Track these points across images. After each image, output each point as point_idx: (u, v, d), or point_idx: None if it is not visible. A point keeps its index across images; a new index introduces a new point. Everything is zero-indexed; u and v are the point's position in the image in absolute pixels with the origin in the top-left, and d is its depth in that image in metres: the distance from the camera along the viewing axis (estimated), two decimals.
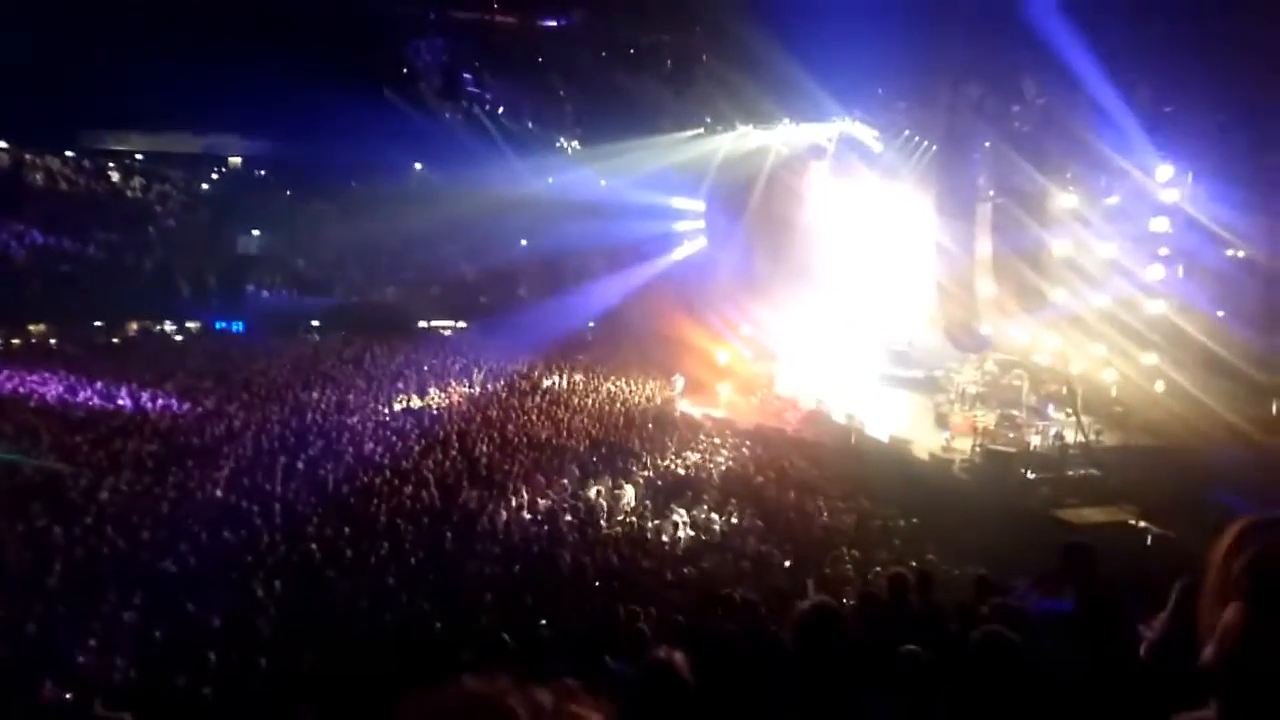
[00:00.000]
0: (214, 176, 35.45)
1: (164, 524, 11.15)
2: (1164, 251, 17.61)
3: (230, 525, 11.04)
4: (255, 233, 33.96)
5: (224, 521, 11.18)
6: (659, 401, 22.70)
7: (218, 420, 17.05)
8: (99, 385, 19.66)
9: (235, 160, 35.33)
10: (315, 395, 19.71)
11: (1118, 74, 15.68)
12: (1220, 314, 16.66)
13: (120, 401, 18.78)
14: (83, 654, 7.61)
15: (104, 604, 8.48)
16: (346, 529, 11.05)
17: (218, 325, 30.25)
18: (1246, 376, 15.28)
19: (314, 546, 10.39)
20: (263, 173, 35.52)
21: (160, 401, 18.68)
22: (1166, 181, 17.16)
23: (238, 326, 30.41)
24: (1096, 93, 16.06)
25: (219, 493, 12.70)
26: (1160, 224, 17.45)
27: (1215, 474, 13.39)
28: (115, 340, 27.80)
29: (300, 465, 14.13)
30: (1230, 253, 16.61)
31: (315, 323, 30.60)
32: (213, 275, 31.73)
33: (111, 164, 33.98)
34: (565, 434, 17.45)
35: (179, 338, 29.18)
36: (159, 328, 29.42)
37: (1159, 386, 17.64)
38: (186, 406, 18.29)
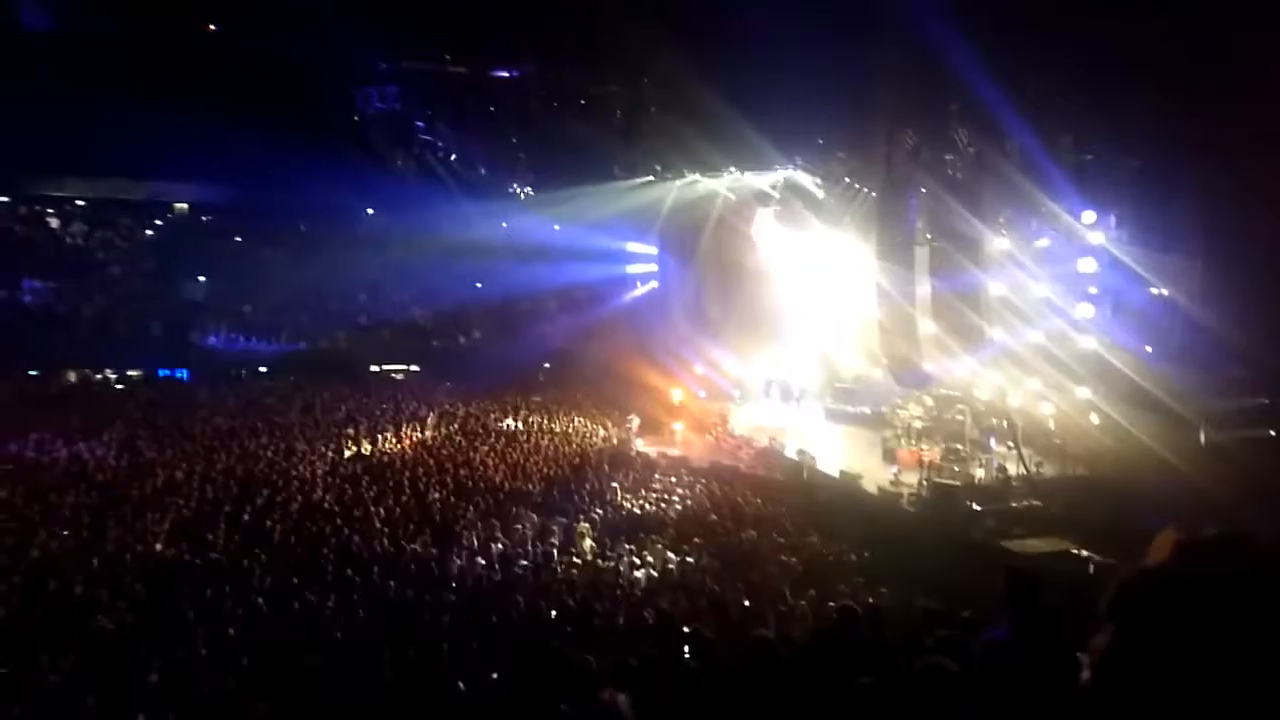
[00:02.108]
0: (158, 223, 34.82)
1: (99, 579, 10.77)
2: (1093, 290, 18.43)
3: (171, 579, 10.71)
4: (201, 279, 33.35)
5: (165, 575, 10.84)
6: (615, 441, 22.77)
7: (160, 470, 16.56)
8: (33, 437, 18.96)
9: (181, 206, 34.80)
10: (263, 442, 19.30)
11: (1041, 124, 16.59)
12: (1148, 349, 17.45)
13: (56, 453, 18.13)
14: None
15: (33, 667, 8.14)
16: (294, 579, 10.81)
17: (161, 373, 29.47)
18: (1171, 410, 16.00)
19: (260, 600, 10.13)
20: (209, 219, 35.03)
21: (99, 452, 18.08)
22: (1091, 224, 18.04)
23: (182, 374, 29.66)
24: (1022, 141, 16.95)
25: (159, 546, 12.32)
26: (1088, 265, 18.29)
27: (1150, 502, 13.92)
28: (52, 390, 26.86)
29: (246, 516, 13.79)
30: (1154, 291, 17.47)
31: (263, 369, 30.03)
32: (156, 322, 31.00)
33: (50, 210, 33.17)
34: (520, 476, 17.36)
35: (120, 386, 28.33)
36: (99, 376, 28.54)
37: (1093, 419, 18.32)
38: (127, 457, 17.74)
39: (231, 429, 20.74)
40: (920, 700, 4.18)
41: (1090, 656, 1.01)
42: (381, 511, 14.15)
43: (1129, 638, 0.96)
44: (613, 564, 12.74)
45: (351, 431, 21.06)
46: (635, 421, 24.32)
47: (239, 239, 34.48)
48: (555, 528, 14.13)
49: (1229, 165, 13.96)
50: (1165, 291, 17.07)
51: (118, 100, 23.05)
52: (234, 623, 9.47)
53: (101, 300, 31.34)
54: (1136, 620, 0.96)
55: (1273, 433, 15.45)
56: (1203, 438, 16.08)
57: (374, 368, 31.38)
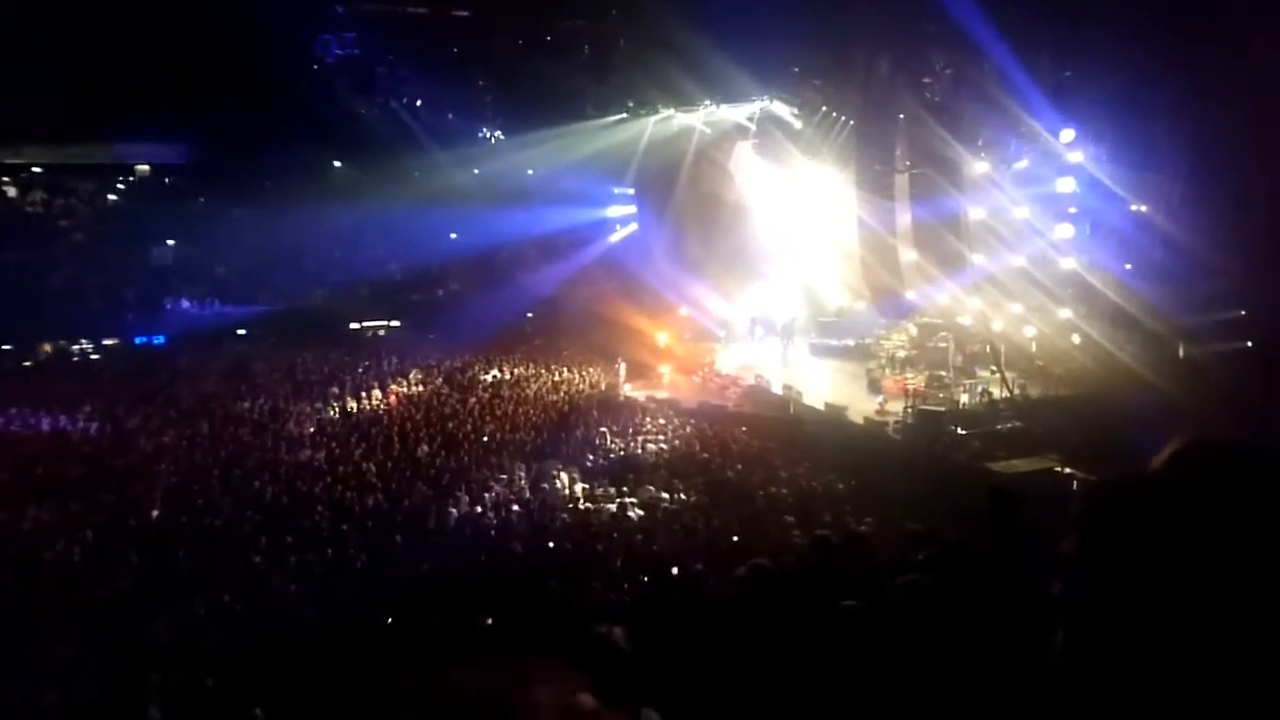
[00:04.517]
0: (121, 187, 33.86)
1: (94, 549, 10.78)
2: (1072, 210, 18.44)
3: (166, 544, 10.73)
4: (170, 243, 32.62)
5: (159, 542, 10.87)
6: (603, 387, 22.81)
7: (145, 439, 16.45)
8: (12, 411, 18.73)
9: (143, 169, 33.80)
10: (246, 405, 19.18)
11: (1019, 42, 16.30)
12: (1127, 267, 17.55)
13: (37, 426, 17.94)
14: (15, 691, 7.35)
15: (36, 637, 8.19)
16: (289, 538, 10.86)
17: (137, 340, 29.04)
18: (1150, 327, 16.18)
19: (256, 559, 10.20)
20: (173, 180, 34.09)
21: (81, 423, 17.91)
22: (1070, 144, 17.93)
23: (159, 340, 29.26)
24: (1000, 61, 16.68)
25: (155, 512, 12.32)
26: (1066, 184, 18.25)
27: (1130, 419, 14.16)
28: (27, 363, 26.46)
29: (236, 477, 13.78)
30: (1133, 208, 17.48)
31: (241, 331, 29.64)
32: (129, 289, 30.41)
33: (7, 178, 32.15)
34: (509, 426, 17.40)
35: (96, 356, 27.92)
36: (75, 347, 28.09)
37: (1075, 340, 18.52)
38: (110, 427, 17.60)
39: (214, 393, 20.56)
40: (899, 616, 4.28)
41: (1058, 565, 1.01)
42: (372, 467, 14.17)
43: (1090, 544, 0.96)
44: (606, 507, 12.88)
45: (336, 390, 20.95)
46: (623, 367, 24.34)
47: (205, 200, 33.62)
48: (547, 475, 14.22)
49: (1208, 83, 13.83)
50: (1144, 209, 17.10)
51: (70, 63, 22.14)
52: (232, 583, 9.54)
53: (69, 269, 30.64)
54: (1098, 526, 0.97)
55: (1249, 344, 15.67)
56: (1181, 352, 16.31)
57: (354, 325, 31.05)
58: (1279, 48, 12.28)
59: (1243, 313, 15.50)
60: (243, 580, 9.70)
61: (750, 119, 26.36)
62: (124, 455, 15.37)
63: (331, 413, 19.07)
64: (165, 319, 29.90)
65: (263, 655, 7.61)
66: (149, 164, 33.44)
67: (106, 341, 28.46)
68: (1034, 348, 19.90)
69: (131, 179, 33.87)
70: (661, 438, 17.62)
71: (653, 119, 27.37)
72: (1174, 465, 0.98)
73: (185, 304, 30.94)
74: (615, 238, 31.43)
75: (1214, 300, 15.54)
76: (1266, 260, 14.08)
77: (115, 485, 13.45)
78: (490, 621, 7.27)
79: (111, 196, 33.65)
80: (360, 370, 23.39)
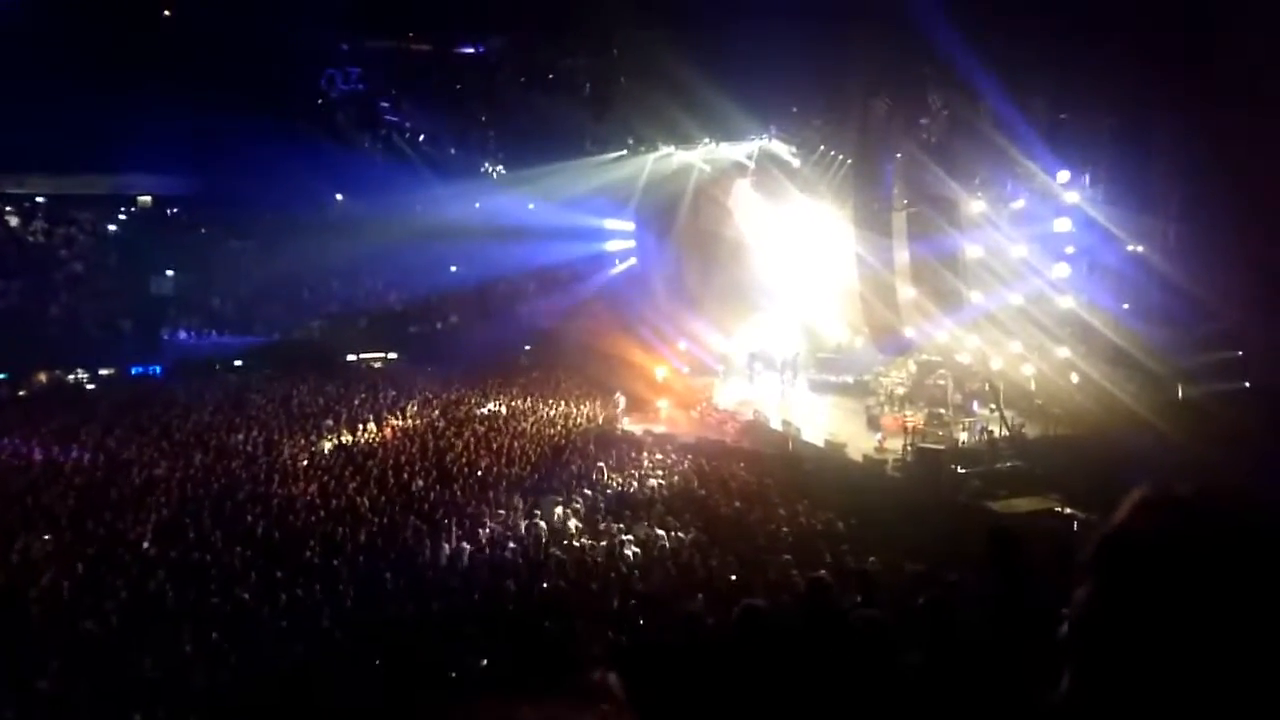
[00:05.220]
0: (122, 217, 34.02)
1: (83, 582, 10.60)
2: (1069, 250, 18.54)
3: (156, 578, 10.55)
4: (169, 273, 32.69)
5: (149, 574, 10.69)
6: (601, 421, 22.70)
7: (138, 469, 16.30)
8: (5, 441, 18.58)
9: (145, 199, 34.00)
10: (241, 437, 19.05)
11: (1013, 84, 16.54)
12: (1125, 307, 17.60)
13: (29, 455, 17.78)
14: None
15: (21, 671, 8.00)
16: (279, 573, 10.69)
17: (134, 370, 28.94)
18: (1148, 367, 16.18)
19: (246, 595, 10.02)
20: (174, 211, 34.27)
21: (74, 453, 17.75)
22: (1066, 184, 18.10)
23: (155, 371, 29.16)
24: (996, 103, 16.90)
25: (145, 544, 12.14)
26: (1063, 224, 18.37)
27: (1130, 459, 14.11)
28: (22, 393, 26.32)
29: (228, 511, 13.62)
30: (1129, 249, 17.59)
31: (238, 362, 29.56)
32: (126, 319, 30.39)
33: (9, 207, 32.31)
34: (505, 460, 17.26)
35: (92, 385, 27.79)
36: (71, 376, 27.97)
37: (1073, 379, 18.49)
38: (103, 457, 17.44)
39: (209, 425, 20.42)
40: (860, 647, 4.20)
41: (1071, 610, 1.02)
42: (365, 501, 14.02)
43: (1105, 591, 0.98)
44: (602, 544, 12.71)
45: (331, 422, 20.82)
46: (621, 400, 24.25)
47: (205, 230, 33.77)
48: (544, 510, 14.07)
49: (1201, 124, 14.01)
50: (1140, 249, 17.20)
51: (74, 92, 22.37)
52: (220, 619, 9.36)
53: (68, 299, 30.65)
54: (1112, 574, 0.98)
55: (1246, 384, 15.67)
56: (1180, 393, 16.29)
57: (351, 357, 30.97)
58: (1271, 91, 12.46)
59: (1240, 354, 15.53)
60: (232, 616, 9.52)
61: (749, 157, 26.63)
62: (116, 486, 15.20)
63: (326, 446, 18.92)
64: (162, 349, 29.83)
65: (251, 694, 7.44)
66: (151, 194, 33.65)
67: (103, 371, 28.35)
68: (1033, 386, 19.87)
69: (133, 209, 34.07)
70: (659, 473, 17.48)
71: (652, 156, 27.64)
72: (1134, 517, 1.01)
73: (183, 334, 30.90)
74: (614, 272, 31.56)
75: (1211, 341, 15.57)
76: (1262, 302, 14.14)
77: (106, 517, 13.27)
78: (485, 662, 7.13)
79: (112, 226, 33.80)
80: (356, 402, 23.28)
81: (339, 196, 33.36)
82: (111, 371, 28.44)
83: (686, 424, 23.52)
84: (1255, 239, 13.80)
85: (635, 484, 16.49)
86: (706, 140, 26.25)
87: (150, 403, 23.43)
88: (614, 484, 16.42)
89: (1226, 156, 13.61)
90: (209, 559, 11.46)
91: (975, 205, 19.74)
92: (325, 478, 15.73)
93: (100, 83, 22.58)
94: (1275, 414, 13.62)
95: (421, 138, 28.67)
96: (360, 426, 20.68)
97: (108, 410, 22.35)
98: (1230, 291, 14.77)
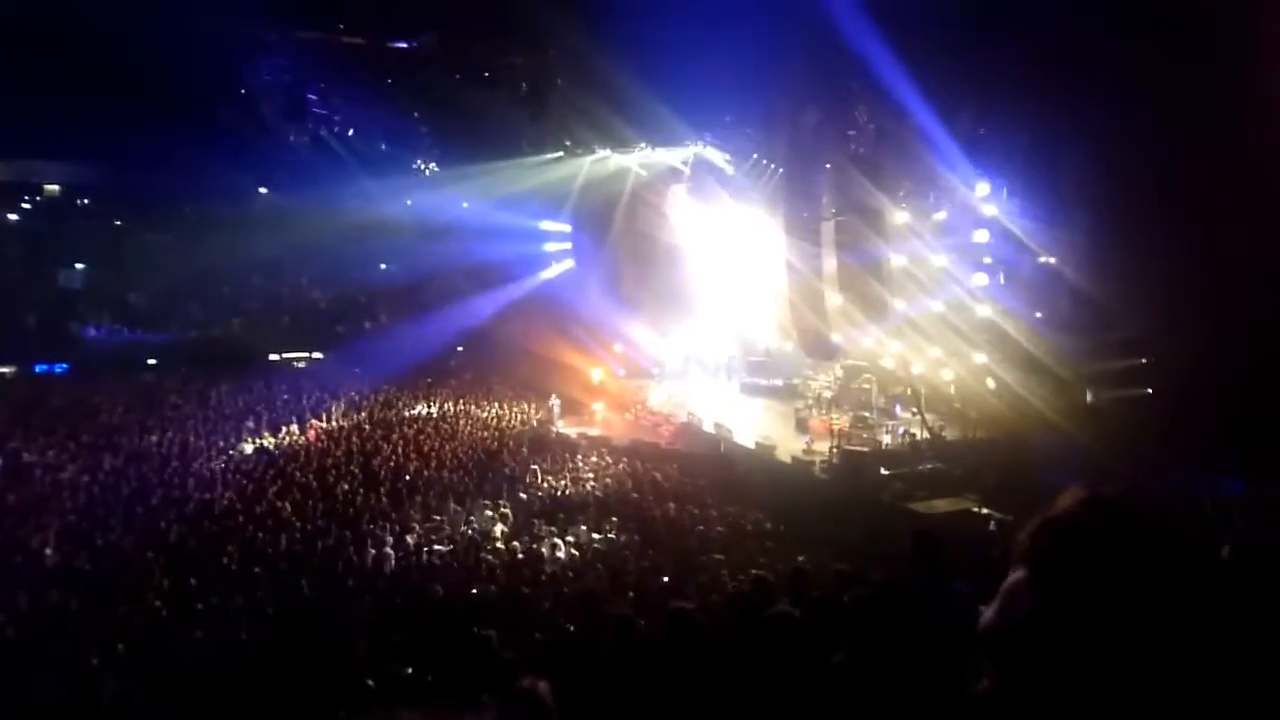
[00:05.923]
0: (26, 206, 32.14)
1: None
2: (987, 260, 19.31)
3: (59, 588, 10.00)
4: (79, 266, 31.05)
5: (51, 584, 10.12)
6: (535, 424, 22.55)
7: (41, 472, 15.42)
8: None
9: (52, 188, 32.20)
10: (154, 439, 18.22)
11: (940, 100, 17.15)
12: (1038, 315, 18.42)
13: None
14: None
15: None
16: (193, 581, 10.27)
17: (38, 368, 27.36)
18: (1058, 373, 17.00)
19: (158, 604, 9.59)
20: (85, 201, 32.55)
21: None
22: (984, 197, 18.85)
23: (61, 369, 27.62)
24: (920, 118, 17.49)
25: (48, 551, 11.49)
26: (982, 235, 19.13)
27: (1040, 461, 14.79)
28: None
29: (139, 516, 13.01)
30: (1042, 259, 18.42)
31: (152, 361, 28.26)
32: (30, 314, 28.71)
33: None
34: (436, 464, 16.98)
35: None
36: None
37: (990, 384, 19.27)
38: (3, 460, 16.43)
39: (120, 426, 19.47)
40: (788, 647, 4.31)
41: (1001, 600, 1.04)
42: (287, 506, 13.58)
43: (1042, 579, 1.00)
44: (535, 547, 12.63)
45: (251, 424, 20.11)
46: (557, 403, 24.13)
47: (119, 222, 32.20)
48: (475, 514, 13.89)
49: (1112, 143, 14.73)
50: (1052, 260, 18.04)
51: None
52: (129, 630, 8.93)
53: None
54: (1051, 563, 1.00)
55: (1149, 390, 16.56)
56: (1088, 398, 17.14)
57: (273, 356, 29.97)
58: (1180, 110, 13.22)
59: (1144, 361, 16.43)
60: (142, 628, 9.10)
61: (685, 163, 26.90)
62: (16, 491, 14.35)
63: (246, 448, 18.27)
64: (70, 346, 28.28)
65: (162, 710, 7.13)
66: (58, 184, 31.89)
67: (3, 369, 26.73)
68: (952, 390, 20.61)
69: (39, 198, 32.21)
70: (593, 476, 17.47)
71: (589, 158, 27.64)
72: (1076, 511, 1.03)
73: (93, 331, 29.37)
74: (549, 273, 31.39)
75: (1118, 348, 16.42)
76: (1166, 312, 14.97)
77: (5, 523, 12.52)
78: (410, 670, 7.00)
79: (13, 216, 31.89)
80: (278, 404, 22.54)
81: (262, 190, 32.25)
82: (11, 369, 26.83)
83: (621, 426, 23.58)
84: (1159, 253, 14.62)
85: (570, 487, 16.45)
86: (642, 145, 26.41)
87: (56, 402, 22.20)
88: (548, 487, 16.34)
89: (1134, 175, 14.38)
90: (117, 567, 10.92)
91: (900, 216, 20.39)
92: (244, 482, 15.20)
93: (5, 62, 21.29)
94: (1174, 418, 14.44)
95: (351, 132, 27.98)
96: (282, 429, 20.04)
97: (7, 410, 21.07)
98: (1135, 301, 15.59)
